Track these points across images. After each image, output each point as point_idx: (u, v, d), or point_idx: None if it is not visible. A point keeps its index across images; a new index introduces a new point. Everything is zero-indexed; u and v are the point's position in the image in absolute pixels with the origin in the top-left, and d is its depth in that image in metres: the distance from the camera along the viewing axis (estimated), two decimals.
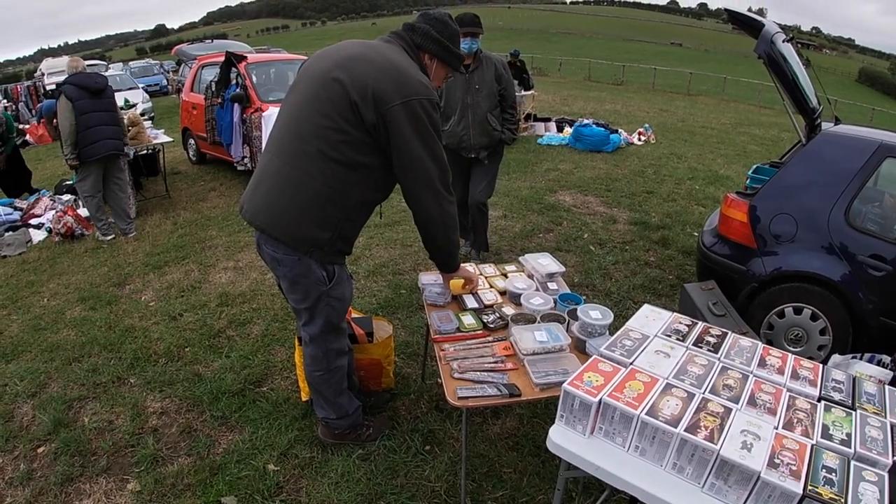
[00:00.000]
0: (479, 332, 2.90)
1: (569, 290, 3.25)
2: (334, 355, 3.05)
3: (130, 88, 20.60)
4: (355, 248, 6.03)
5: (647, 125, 12.69)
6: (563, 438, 1.95)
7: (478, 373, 2.56)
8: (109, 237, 7.36)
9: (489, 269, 3.61)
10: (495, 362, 2.64)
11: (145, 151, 8.94)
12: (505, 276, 3.51)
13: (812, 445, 1.72)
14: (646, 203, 7.40)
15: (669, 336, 2.26)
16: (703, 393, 1.93)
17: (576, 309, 2.78)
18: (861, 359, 3.48)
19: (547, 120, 13.50)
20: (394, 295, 5.16)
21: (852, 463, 1.66)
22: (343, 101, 2.52)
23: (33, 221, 8.15)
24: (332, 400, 3.19)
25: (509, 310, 3.06)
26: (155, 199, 9.08)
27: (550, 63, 40.65)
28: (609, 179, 8.58)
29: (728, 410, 1.84)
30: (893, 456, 1.70)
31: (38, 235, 7.84)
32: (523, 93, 13.58)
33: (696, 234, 6.17)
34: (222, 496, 3.05)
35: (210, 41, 13.35)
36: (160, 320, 5.03)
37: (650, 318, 2.40)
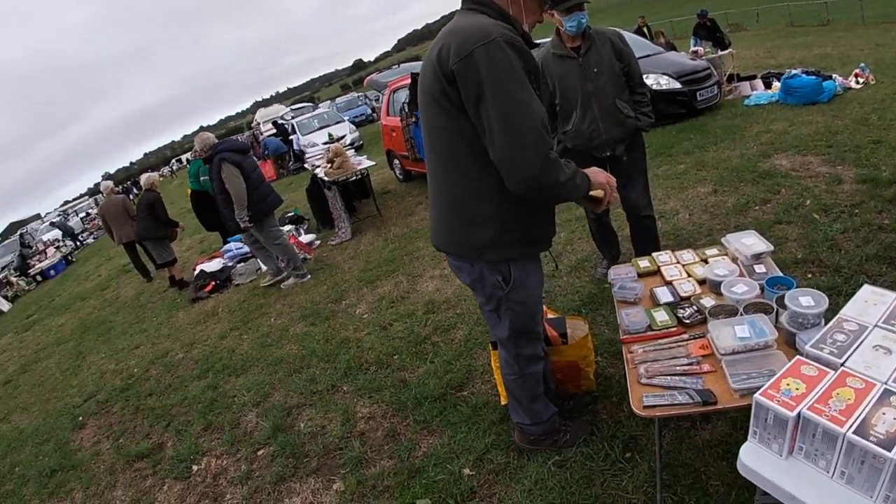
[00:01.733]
0: (672, 329, 2.64)
1: (779, 273, 2.81)
2: (525, 361, 2.95)
3: (338, 122, 22.92)
4: (556, 245, 5.95)
5: (862, 65, 11.25)
6: (755, 459, 1.69)
7: (668, 377, 2.34)
8: (306, 278, 7.75)
9: (687, 254, 3.30)
10: (689, 364, 2.39)
11: (355, 178, 9.63)
12: (705, 261, 3.17)
13: None
14: (874, 155, 6.50)
15: (894, 325, 1.87)
16: None
17: (784, 296, 2.40)
18: None
19: (752, 78, 12.38)
20: (597, 290, 4.93)
21: None
22: (435, 85, 2.36)
23: None
24: (526, 405, 3.10)
25: (709, 301, 2.75)
26: (368, 219, 9.92)
27: (746, 16, 37.77)
28: (829, 133, 7.66)
29: None
30: None
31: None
32: (720, 53, 12.99)
33: None
34: (417, 498, 3.17)
35: (398, 66, 13.99)
36: (372, 331, 5.42)
37: (870, 303, 2.01)
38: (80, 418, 5.90)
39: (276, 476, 3.73)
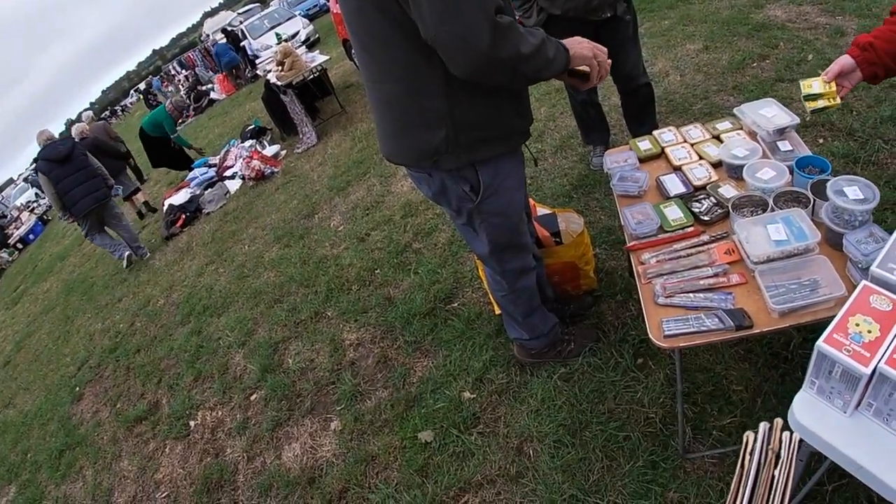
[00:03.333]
0: (689, 229, 2.22)
1: (808, 151, 2.34)
2: (514, 275, 2.58)
3: (289, 19, 21.77)
4: (537, 122, 5.51)
5: None
6: (813, 416, 1.37)
7: (691, 294, 1.95)
8: (124, 262, 8.20)
9: (695, 130, 2.81)
10: (715, 275, 2.00)
11: (312, 76, 9.10)
12: (718, 138, 2.70)
13: None
14: (875, 4, 5.89)
15: None
16: None
17: (823, 183, 1.98)
18: None
19: None
20: (587, 170, 4.53)
21: None
22: None
23: (228, 173, 9.07)
24: (522, 321, 2.79)
25: (729, 190, 2.31)
26: (332, 118, 9.43)
27: None
28: None
29: None
30: None
31: (233, 185, 8.73)
32: None
33: None
34: (419, 431, 3.01)
35: None
36: (349, 245, 5.16)
37: None
38: (77, 389, 5.81)
39: (272, 422, 3.59)
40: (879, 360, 1.24)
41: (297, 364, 3.97)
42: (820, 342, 1.30)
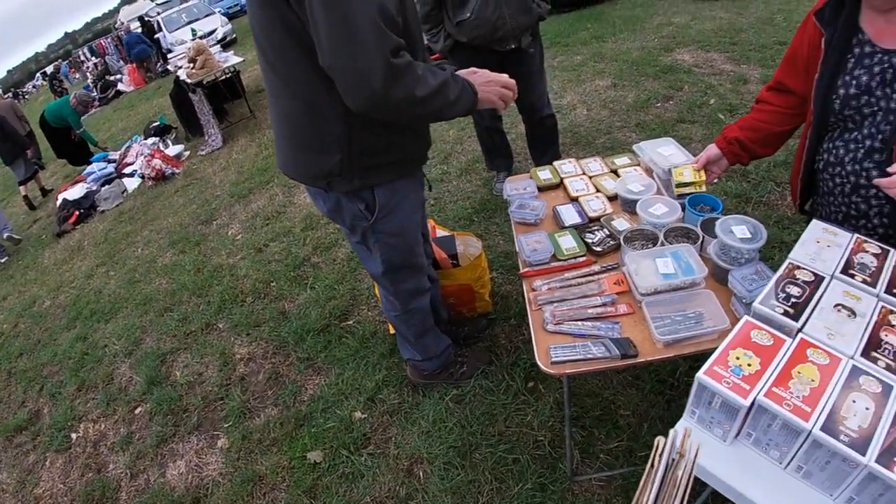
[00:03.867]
0: (581, 259, 2.24)
1: (704, 189, 2.38)
2: (407, 296, 2.55)
3: (208, 15, 20.93)
4: (444, 144, 5.54)
5: None
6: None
7: (580, 322, 1.97)
8: None
9: (594, 164, 2.87)
10: (604, 304, 2.02)
11: (224, 77, 8.82)
12: (615, 173, 2.76)
13: None
14: (779, 56, 6.18)
15: (854, 276, 1.56)
16: None
17: (713, 221, 2.06)
18: None
19: None
20: (490, 195, 4.58)
21: None
22: None
23: (127, 171, 8.66)
24: (415, 341, 2.76)
25: (622, 223, 2.36)
26: (241, 122, 9.21)
27: None
28: (733, 31, 7.38)
29: None
30: None
31: (132, 184, 8.32)
32: None
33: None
34: (308, 451, 2.93)
35: None
36: (246, 255, 5.00)
37: (822, 244, 1.69)
38: None
39: (156, 437, 3.39)
40: (758, 393, 1.27)
41: (185, 377, 3.79)
42: (700, 374, 1.32)
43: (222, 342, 3.96)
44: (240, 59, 9.22)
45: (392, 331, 3.26)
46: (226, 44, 18.09)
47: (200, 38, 11.06)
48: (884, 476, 1.12)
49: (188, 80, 8.37)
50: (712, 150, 2.28)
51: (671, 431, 1.30)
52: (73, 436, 3.74)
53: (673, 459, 1.29)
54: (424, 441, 2.78)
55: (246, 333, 3.97)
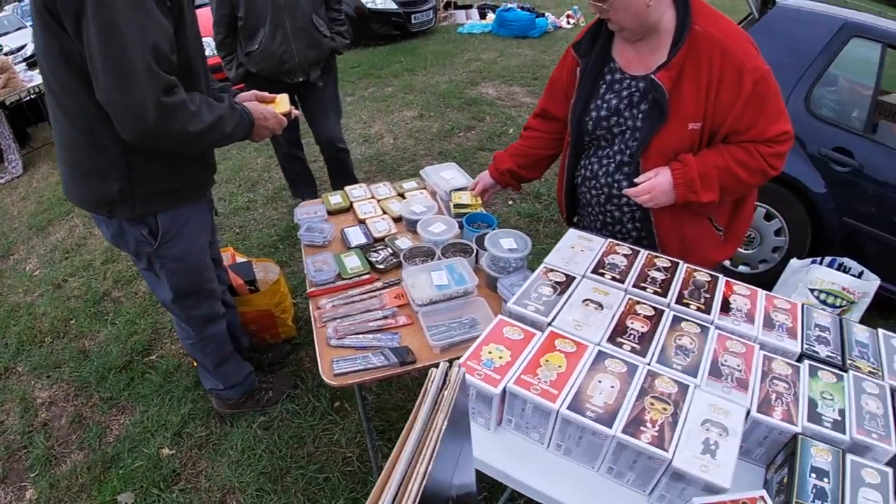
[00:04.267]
0: (365, 276, 2.30)
1: (480, 210, 2.56)
2: (200, 323, 2.51)
3: (18, 29, 19.12)
4: (251, 172, 5.47)
5: (575, 7, 11.89)
6: None
7: (360, 336, 2.01)
8: None
9: (383, 188, 2.96)
10: (384, 318, 2.07)
11: (29, 98, 8.18)
12: (403, 195, 2.87)
13: (797, 436, 1.25)
14: None
15: (603, 274, 1.69)
16: (650, 363, 1.40)
17: (484, 236, 2.18)
18: (821, 263, 3.12)
19: (468, 7, 12.55)
20: (295, 224, 4.47)
21: (848, 458, 1.20)
22: None
23: None
24: (214, 370, 2.71)
25: (405, 242, 2.44)
26: (44, 147, 8.41)
27: None
28: (536, 67, 7.91)
29: (683, 389, 1.33)
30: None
31: None
32: None
33: None
34: (118, 493, 2.74)
35: None
36: (44, 291, 4.60)
37: (577, 249, 1.82)
38: None
39: None
40: (508, 381, 1.34)
41: None
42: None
43: (22, 386, 3.64)
44: None
45: (196, 363, 3.16)
46: (33, 62, 16.83)
47: (6, 54, 10.24)
48: (631, 444, 1.21)
49: None
50: (486, 178, 2.49)
51: (441, 363, 1.36)
52: None
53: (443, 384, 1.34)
54: (235, 471, 2.72)
55: (46, 376, 3.68)
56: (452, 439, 0.86)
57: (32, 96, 8.12)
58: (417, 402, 1.35)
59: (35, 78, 8.18)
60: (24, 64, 10.82)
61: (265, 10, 3.52)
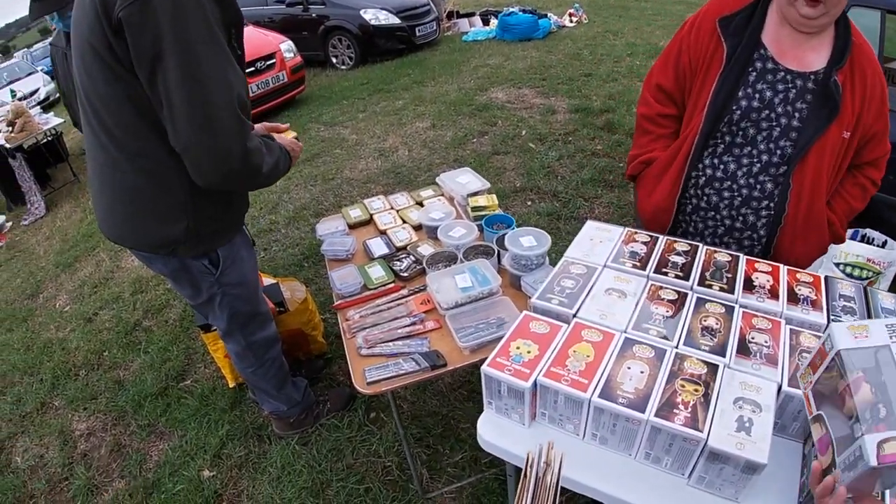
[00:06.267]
0: (390, 285, 2.32)
1: (499, 211, 2.55)
2: (261, 347, 2.53)
3: (30, 74, 19.30)
4: (271, 194, 5.52)
5: (576, 5, 11.93)
6: (495, 432, 1.47)
7: (390, 343, 2.03)
8: None
9: (401, 198, 2.99)
10: (412, 324, 2.09)
11: (46, 140, 8.25)
12: (421, 204, 2.89)
13: None
14: (585, 87, 6.79)
15: (623, 263, 1.70)
16: (677, 346, 1.41)
17: (504, 237, 2.20)
18: None
19: (471, 15, 12.66)
20: (318, 241, 4.47)
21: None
22: (96, 35, 1.66)
23: None
24: (277, 393, 2.72)
25: (427, 248, 2.46)
26: (65, 186, 8.55)
27: None
28: (543, 67, 7.93)
29: (713, 369, 1.33)
30: None
31: None
32: None
33: None
34: None
35: None
36: (76, 326, 4.65)
37: (596, 241, 1.83)
38: None
39: None
40: (538, 374, 1.35)
41: (27, 462, 3.45)
42: (484, 367, 1.40)
43: (60, 420, 3.68)
44: (61, 121, 8.63)
45: (231, 384, 3.22)
46: (47, 105, 16.93)
47: (20, 99, 10.36)
48: (665, 427, 1.22)
49: (7, 145, 7.85)
50: None
51: (538, 445, 1.37)
52: None
53: (542, 468, 1.35)
54: (276, 488, 2.72)
55: (83, 408, 3.72)
56: None
57: (49, 138, 8.20)
58: (518, 490, 1.39)
59: (50, 120, 8.25)
60: (39, 107, 10.96)
61: None
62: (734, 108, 1.81)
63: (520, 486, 1.32)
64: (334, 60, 10.48)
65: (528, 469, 1.33)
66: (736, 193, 1.90)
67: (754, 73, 1.78)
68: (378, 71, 9.32)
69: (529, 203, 4.23)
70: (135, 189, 1.90)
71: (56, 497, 3.12)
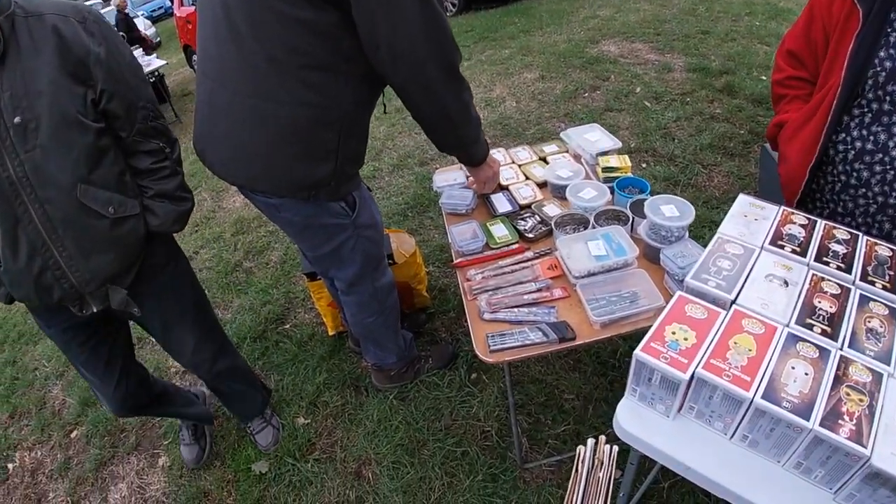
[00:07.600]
0: (514, 246, 2.22)
1: (630, 174, 2.40)
2: (385, 293, 2.49)
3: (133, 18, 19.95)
4: (375, 141, 5.48)
5: None
6: (636, 423, 1.38)
7: (515, 309, 1.94)
8: None
9: (523, 152, 2.84)
10: (539, 290, 2.00)
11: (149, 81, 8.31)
12: (544, 160, 2.75)
13: None
14: (702, 45, 6.44)
15: (783, 246, 1.55)
16: (842, 348, 1.28)
17: (642, 202, 2.07)
18: None
19: None
20: (423, 190, 4.52)
21: None
22: None
23: None
24: (390, 345, 2.69)
25: (553, 208, 2.35)
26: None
27: None
28: (657, 21, 7.55)
29: (878, 377, 1.21)
30: None
31: None
32: None
33: (764, 77, 5.29)
34: (253, 462, 2.79)
35: None
36: None
37: (750, 218, 1.68)
38: None
39: (95, 461, 3.15)
40: (697, 366, 1.26)
41: None
42: (637, 351, 1.30)
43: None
44: (163, 63, 8.95)
45: (331, 332, 3.20)
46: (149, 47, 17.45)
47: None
48: (829, 439, 1.11)
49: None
50: None
51: (589, 441, 1.30)
52: (10, 466, 3.50)
53: (594, 463, 1.30)
54: (371, 441, 2.71)
55: None
56: None
57: (152, 80, 8.37)
58: (570, 484, 1.32)
59: (153, 62, 8.88)
60: (141, 50, 11.06)
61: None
62: (879, 68, 1.64)
63: (571, 481, 1.27)
64: None
65: (580, 465, 1.27)
66: (889, 167, 1.71)
67: (894, 34, 1.62)
68: (482, 18, 9.13)
69: (644, 166, 4.08)
70: (289, 123, 1.78)
71: (147, 433, 3.22)
